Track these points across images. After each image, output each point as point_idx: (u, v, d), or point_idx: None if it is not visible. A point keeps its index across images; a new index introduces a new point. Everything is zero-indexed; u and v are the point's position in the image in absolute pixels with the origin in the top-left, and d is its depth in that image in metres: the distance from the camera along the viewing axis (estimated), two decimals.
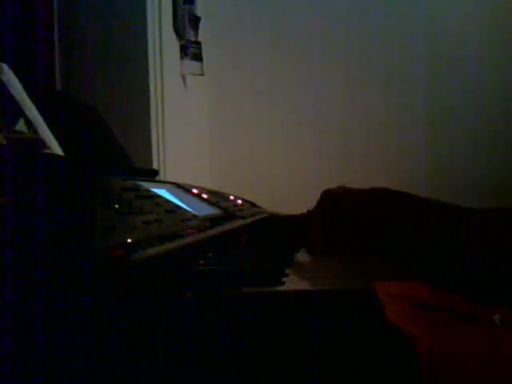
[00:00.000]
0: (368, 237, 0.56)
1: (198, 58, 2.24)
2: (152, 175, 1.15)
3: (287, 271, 0.49)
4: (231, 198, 1.20)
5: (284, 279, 0.45)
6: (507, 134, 2.64)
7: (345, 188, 0.61)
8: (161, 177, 1.66)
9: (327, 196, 0.61)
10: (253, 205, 1.32)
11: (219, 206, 0.95)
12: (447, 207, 0.54)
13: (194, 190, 0.99)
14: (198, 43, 2.26)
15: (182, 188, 0.96)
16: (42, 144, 0.73)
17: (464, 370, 0.35)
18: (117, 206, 0.51)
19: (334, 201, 0.59)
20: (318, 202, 0.62)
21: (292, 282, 0.44)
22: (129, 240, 0.43)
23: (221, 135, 2.77)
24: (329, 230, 0.59)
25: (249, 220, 1.01)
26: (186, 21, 2.18)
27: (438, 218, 0.52)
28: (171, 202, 0.72)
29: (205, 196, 0.99)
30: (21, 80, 0.79)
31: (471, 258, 0.47)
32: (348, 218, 0.57)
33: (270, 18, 2.75)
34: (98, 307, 0.33)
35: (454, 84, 2.69)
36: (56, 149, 0.76)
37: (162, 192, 0.76)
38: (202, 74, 2.29)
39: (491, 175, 2.62)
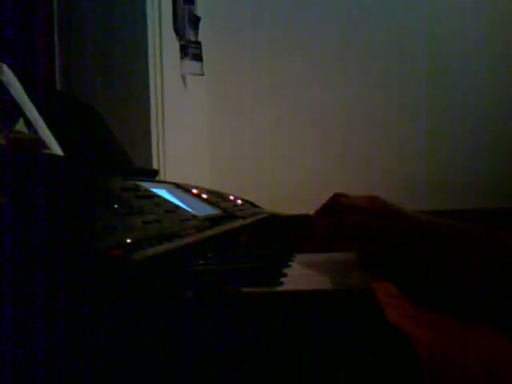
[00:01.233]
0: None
1: (197, 58, 2.24)
2: (152, 175, 1.15)
3: (286, 271, 0.49)
4: (231, 198, 1.20)
5: (283, 279, 0.45)
6: (507, 133, 2.64)
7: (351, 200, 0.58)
8: (161, 177, 1.66)
9: (338, 203, 0.59)
10: (253, 205, 1.32)
11: (219, 206, 0.95)
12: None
13: (194, 190, 0.99)
14: (198, 43, 2.26)
15: (182, 188, 0.96)
16: (42, 144, 0.73)
17: (464, 370, 0.35)
18: (116, 206, 0.51)
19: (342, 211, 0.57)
20: (328, 205, 0.60)
21: (291, 282, 0.44)
22: (128, 240, 0.43)
23: (221, 135, 2.77)
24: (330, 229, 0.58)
25: (249, 220, 1.01)
26: (185, 21, 2.18)
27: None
28: (171, 202, 0.72)
29: (205, 196, 0.99)
30: (21, 80, 0.79)
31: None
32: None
33: (270, 18, 2.75)
34: (98, 307, 0.33)
35: (454, 84, 2.69)
36: (56, 149, 0.76)
37: (162, 192, 0.76)
38: (202, 74, 2.30)
39: (491, 175, 2.62)
